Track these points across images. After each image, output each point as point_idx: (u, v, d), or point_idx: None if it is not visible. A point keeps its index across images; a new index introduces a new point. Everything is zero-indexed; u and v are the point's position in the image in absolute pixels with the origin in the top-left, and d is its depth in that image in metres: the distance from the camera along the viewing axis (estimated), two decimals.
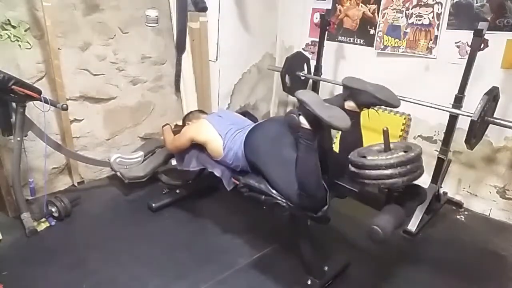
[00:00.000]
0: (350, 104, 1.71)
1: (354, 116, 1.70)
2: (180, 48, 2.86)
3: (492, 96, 2.01)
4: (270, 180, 1.75)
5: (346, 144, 1.73)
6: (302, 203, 1.62)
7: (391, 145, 1.48)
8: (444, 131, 2.39)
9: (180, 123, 2.47)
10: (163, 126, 2.48)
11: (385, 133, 1.44)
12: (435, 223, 2.45)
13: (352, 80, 1.72)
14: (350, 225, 2.33)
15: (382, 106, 1.77)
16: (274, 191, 1.74)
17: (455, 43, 2.52)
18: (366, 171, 1.40)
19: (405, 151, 1.44)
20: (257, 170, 1.84)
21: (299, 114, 1.52)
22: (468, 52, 2.17)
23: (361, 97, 1.68)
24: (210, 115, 2.30)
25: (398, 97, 2.42)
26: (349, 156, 1.50)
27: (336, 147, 1.92)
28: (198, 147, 2.19)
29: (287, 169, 1.66)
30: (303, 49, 3.44)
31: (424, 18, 2.64)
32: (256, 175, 1.86)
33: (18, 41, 2.17)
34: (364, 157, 1.46)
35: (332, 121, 1.42)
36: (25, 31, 2.18)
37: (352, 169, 1.46)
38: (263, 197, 1.78)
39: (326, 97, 3.42)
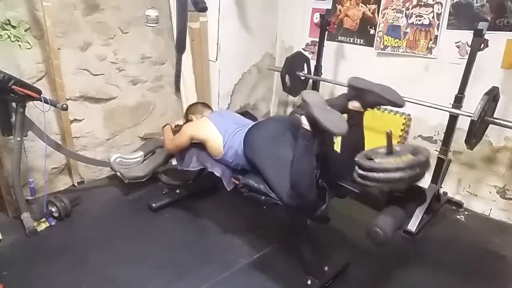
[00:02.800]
0: (354, 105, 1.70)
1: (358, 117, 1.69)
2: (180, 48, 2.86)
3: (492, 96, 2.01)
4: (266, 179, 1.76)
5: (348, 144, 1.72)
6: (292, 203, 1.62)
7: (397, 147, 1.47)
8: (444, 131, 2.39)
9: (180, 122, 2.47)
10: (163, 126, 2.48)
11: (389, 135, 1.42)
12: (435, 223, 2.45)
13: (358, 80, 1.72)
14: (350, 225, 2.33)
15: (386, 109, 1.77)
16: (272, 193, 1.74)
17: (455, 43, 2.52)
18: (375, 173, 1.37)
19: (413, 154, 1.42)
20: (256, 168, 1.85)
21: (301, 114, 1.53)
22: (468, 52, 2.17)
23: (367, 97, 1.67)
24: (211, 114, 2.30)
25: None
26: (356, 159, 1.47)
27: (337, 147, 1.92)
28: (198, 146, 2.19)
29: (282, 169, 1.66)
30: (303, 49, 3.44)
31: (424, 18, 2.64)
32: (255, 175, 1.87)
33: (18, 41, 2.17)
34: (371, 159, 1.44)
35: (328, 125, 1.41)
36: (25, 31, 2.18)
37: (360, 171, 1.43)
38: (262, 197, 1.79)
39: (327, 97, 3.45)
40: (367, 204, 1.73)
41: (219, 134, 2.05)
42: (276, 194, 1.71)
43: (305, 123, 1.52)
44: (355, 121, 1.68)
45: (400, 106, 1.69)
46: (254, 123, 2.03)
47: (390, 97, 1.65)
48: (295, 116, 1.54)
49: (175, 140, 2.26)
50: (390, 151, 1.45)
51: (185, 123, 2.38)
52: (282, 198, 1.66)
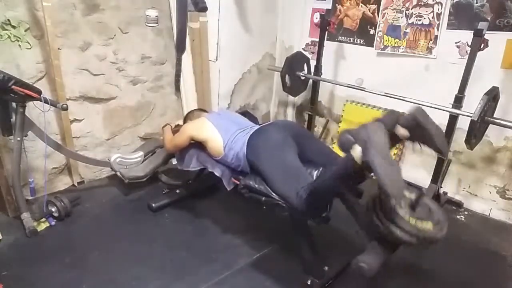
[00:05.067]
0: (402, 132, 1.52)
1: (394, 142, 1.64)
2: (180, 48, 2.86)
3: (492, 96, 2.01)
4: (270, 183, 1.76)
5: None
6: (302, 207, 1.62)
7: (421, 203, 1.43)
8: (444, 131, 2.39)
9: (181, 123, 2.47)
10: (163, 127, 2.47)
11: (419, 194, 1.37)
12: None
13: (422, 113, 1.54)
14: (350, 225, 2.32)
15: (386, 109, 1.74)
16: (274, 193, 1.75)
17: (455, 43, 2.52)
18: (393, 227, 1.33)
19: (433, 222, 1.39)
20: (257, 171, 1.85)
21: (355, 142, 1.38)
22: (468, 52, 2.17)
23: (419, 132, 1.51)
24: (210, 113, 2.30)
25: (398, 97, 2.45)
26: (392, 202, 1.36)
27: (335, 149, 1.92)
28: (198, 146, 2.19)
29: (289, 173, 1.69)
30: (303, 49, 3.44)
31: (424, 18, 2.64)
32: (255, 175, 1.87)
33: (18, 41, 2.17)
34: (393, 206, 1.36)
35: (387, 183, 1.25)
36: (25, 31, 2.18)
37: (376, 220, 1.38)
38: (263, 198, 1.79)
39: (327, 97, 3.46)
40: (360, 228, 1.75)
41: (219, 135, 2.05)
42: (282, 197, 1.71)
43: (356, 154, 1.38)
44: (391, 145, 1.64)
45: (444, 155, 1.58)
46: (257, 127, 2.01)
47: (438, 143, 1.50)
48: (347, 140, 1.39)
49: (174, 139, 2.26)
50: (413, 207, 1.42)
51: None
52: (290, 201, 1.66)
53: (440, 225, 1.38)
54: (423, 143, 1.52)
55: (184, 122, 2.45)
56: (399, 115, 1.53)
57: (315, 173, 1.82)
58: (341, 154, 1.66)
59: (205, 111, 2.52)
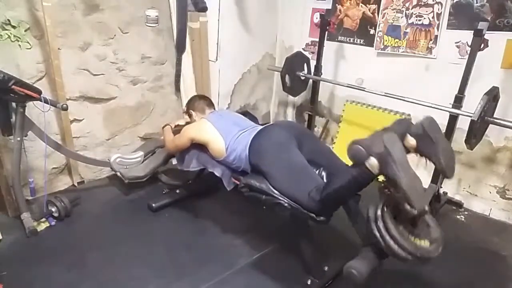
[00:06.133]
0: (411, 142, 1.46)
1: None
2: (180, 48, 2.86)
3: (492, 96, 2.01)
4: (276, 183, 1.77)
5: None
6: (312, 209, 1.65)
7: (422, 221, 1.42)
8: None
9: (181, 122, 2.47)
10: (163, 127, 2.47)
11: (420, 215, 1.36)
12: None
13: (434, 126, 1.50)
14: (350, 225, 2.32)
15: (386, 109, 1.74)
16: (276, 192, 1.75)
17: (455, 43, 2.52)
18: (388, 237, 1.33)
19: (430, 241, 1.39)
20: (259, 172, 1.86)
21: (370, 155, 1.37)
22: (468, 52, 2.17)
23: (427, 145, 1.46)
24: (210, 114, 2.29)
25: (398, 97, 2.45)
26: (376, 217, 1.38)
27: (335, 149, 1.93)
28: (198, 147, 2.19)
29: (297, 173, 1.71)
30: (303, 49, 3.44)
31: (424, 18, 2.64)
32: (257, 174, 1.87)
33: (18, 41, 2.17)
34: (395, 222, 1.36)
35: (411, 194, 1.26)
36: (25, 31, 2.18)
37: (379, 225, 1.37)
38: (263, 197, 1.79)
39: (327, 97, 3.45)
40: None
41: (220, 136, 2.04)
42: (289, 196, 1.72)
43: (373, 166, 1.37)
44: None
45: (447, 176, 1.52)
46: (259, 129, 2.00)
47: (443, 162, 1.44)
48: (358, 150, 1.38)
49: (175, 140, 2.26)
50: (415, 224, 1.41)
51: (186, 124, 2.38)
52: (300, 201, 1.68)
53: (437, 244, 1.39)
54: (429, 159, 1.47)
55: (187, 109, 2.43)
56: (409, 124, 1.50)
57: (317, 173, 1.84)
58: (345, 158, 1.67)
59: (209, 101, 2.48)
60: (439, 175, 2.41)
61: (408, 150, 1.46)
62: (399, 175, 1.28)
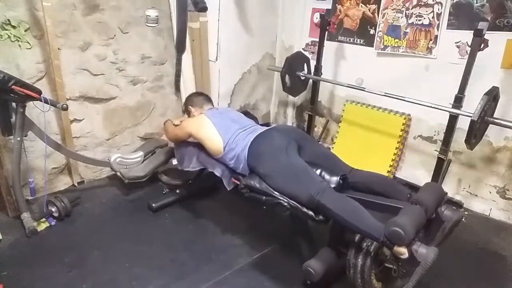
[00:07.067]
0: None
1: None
2: (180, 48, 2.87)
3: (492, 96, 2.01)
4: (275, 184, 1.78)
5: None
6: (313, 207, 1.67)
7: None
8: (444, 131, 2.39)
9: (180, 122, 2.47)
10: (164, 122, 2.48)
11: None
12: None
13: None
14: None
15: (386, 109, 1.76)
16: (276, 192, 1.76)
17: (455, 43, 2.52)
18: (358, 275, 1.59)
19: None
20: (258, 174, 1.86)
21: (410, 245, 1.41)
22: (468, 52, 2.17)
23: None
24: (209, 110, 2.28)
25: (398, 97, 2.45)
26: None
27: (335, 149, 1.93)
28: (198, 146, 2.19)
29: (297, 173, 1.73)
30: (303, 49, 3.44)
31: (424, 18, 2.64)
32: (256, 175, 1.87)
33: (18, 41, 2.17)
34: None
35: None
36: (25, 31, 2.18)
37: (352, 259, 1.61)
38: (264, 197, 1.79)
39: (326, 97, 3.45)
40: None
41: (218, 134, 2.04)
42: (289, 195, 1.74)
43: (401, 255, 1.42)
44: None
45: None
46: (258, 132, 1.99)
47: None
48: (400, 237, 1.38)
49: (175, 130, 2.28)
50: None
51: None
52: (302, 202, 1.70)
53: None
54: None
55: (186, 105, 2.45)
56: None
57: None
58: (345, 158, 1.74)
59: (207, 98, 2.49)
60: (439, 175, 2.41)
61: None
62: (419, 277, 1.39)
